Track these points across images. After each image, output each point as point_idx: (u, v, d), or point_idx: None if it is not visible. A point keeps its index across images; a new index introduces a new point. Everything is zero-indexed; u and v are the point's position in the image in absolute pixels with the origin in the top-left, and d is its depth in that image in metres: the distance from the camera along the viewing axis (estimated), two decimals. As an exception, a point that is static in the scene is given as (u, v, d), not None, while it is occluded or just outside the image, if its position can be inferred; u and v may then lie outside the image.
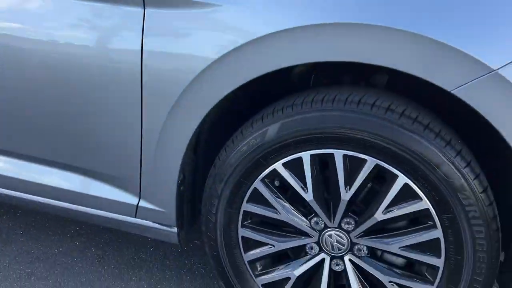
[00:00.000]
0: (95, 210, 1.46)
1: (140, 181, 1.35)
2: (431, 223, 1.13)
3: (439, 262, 1.15)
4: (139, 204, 1.39)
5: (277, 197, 1.26)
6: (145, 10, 1.21)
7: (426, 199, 1.11)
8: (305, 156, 1.18)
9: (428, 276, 1.20)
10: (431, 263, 1.17)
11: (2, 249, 1.80)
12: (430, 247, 1.15)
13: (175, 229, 1.40)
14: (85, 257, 1.79)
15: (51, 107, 1.37)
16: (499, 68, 0.96)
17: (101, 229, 1.94)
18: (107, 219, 1.47)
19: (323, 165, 1.19)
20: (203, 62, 1.15)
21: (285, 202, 1.26)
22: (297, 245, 1.29)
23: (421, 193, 1.11)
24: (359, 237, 1.22)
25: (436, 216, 1.11)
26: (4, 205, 2.05)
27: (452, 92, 1.00)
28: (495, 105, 0.99)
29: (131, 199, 1.40)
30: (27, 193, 1.52)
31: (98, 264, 1.75)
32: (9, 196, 1.56)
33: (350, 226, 1.21)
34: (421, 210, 1.12)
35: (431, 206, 1.11)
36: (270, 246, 1.31)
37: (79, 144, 1.38)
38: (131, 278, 1.69)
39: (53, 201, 1.49)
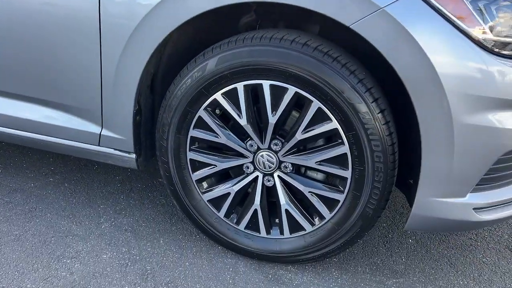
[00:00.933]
0: (64, 140, 1.67)
1: (102, 111, 1.56)
2: (340, 140, 1.37)
3: (347, 173, 1.40)
4: (102, 133, 1.61)
5: (218, 123, 1.48)
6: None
7: (335, 120, 1.35)
8: (239, 86, 1.41)
9: (340, 187, 1.45)
10: (341, 175, 1.41)
11: (-17, 183, 2.01)
12: (340, 161, 1.40)
13: (133, 155, 1.62)
14: (58, 191, 2.00)
15: (19, 45, 1.55)
16: (386, 6, 1.18)
17: (74, 169, 2.16)
18: (74, 148, 1.68)
19: (254, 94, 1.42)
20: (145, 7, 1.35)
21: (225, 128, 1.49)
22: (235, 165, 1.53)
23: (331, 115, 1.34)
24: (285, 155, 1.46)
25: (343, 134, 1.36)
26: (-16, 148, 2.25)
27: (350, 27, 1.22)
28: (383, 38, 1.21)
29: (95, 129, 1.61)
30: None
31: (69, 195, 1.97)
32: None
33: (278, 146, 1.45)
34: (332, 129, 1.36)
35: (339, 126, 1.35)
36: (213, 166, 1.55)
37: (48, 79, 1.57)
38: (99, 206, 1.92)
39: (24, 132, 1.69)
